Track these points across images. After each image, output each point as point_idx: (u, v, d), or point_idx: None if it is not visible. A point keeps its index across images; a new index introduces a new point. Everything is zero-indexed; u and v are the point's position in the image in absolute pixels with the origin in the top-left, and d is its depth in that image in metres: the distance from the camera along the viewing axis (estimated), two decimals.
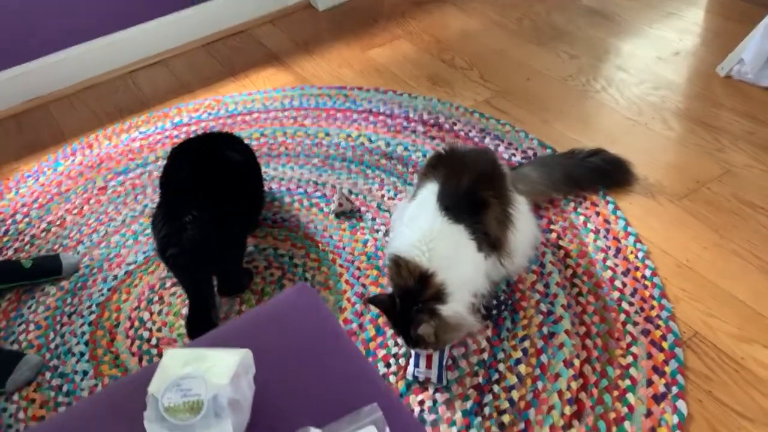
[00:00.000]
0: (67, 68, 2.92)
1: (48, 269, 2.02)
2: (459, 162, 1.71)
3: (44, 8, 2.76)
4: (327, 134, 2.49)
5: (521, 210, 1.75)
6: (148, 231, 2.12)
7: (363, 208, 2.14)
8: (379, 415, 0.92)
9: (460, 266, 1.55)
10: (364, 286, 1.89)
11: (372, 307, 1.77)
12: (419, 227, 1.58)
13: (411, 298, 1.50)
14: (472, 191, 1.62)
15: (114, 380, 1.73)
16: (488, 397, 1.59)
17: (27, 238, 2.20)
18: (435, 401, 1.59)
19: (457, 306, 1.51)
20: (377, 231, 2.05)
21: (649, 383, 1.58)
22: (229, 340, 1.06)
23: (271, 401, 0.96)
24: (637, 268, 1.85)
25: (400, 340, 1.70)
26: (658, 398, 1.55)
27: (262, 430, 0.92)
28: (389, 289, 1.61)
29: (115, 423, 0.96)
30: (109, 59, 3.00)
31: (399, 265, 1.54)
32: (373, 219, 2.10)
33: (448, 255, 1.54)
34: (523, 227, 1.74)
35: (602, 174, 2.07)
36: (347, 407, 0.94)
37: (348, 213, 2.12)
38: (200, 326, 1.69)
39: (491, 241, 1.64)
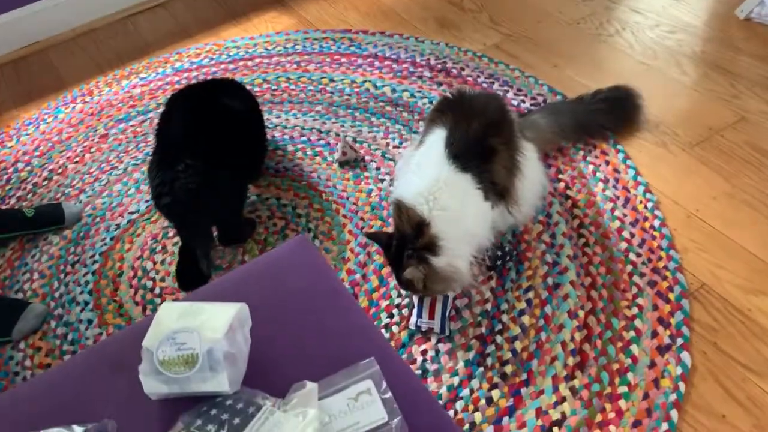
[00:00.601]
0: (65, 12, 2.84)
1: (51, 218, 2.01)
2: (467, 107, 1.66)
3: None
4: (331, 80, 2.43)
5: (529, 157, 1.71)
6: None
7: (367, 157, 2.10)
8: (375, 369, 0.91)
9: (463, 219, 1.52)
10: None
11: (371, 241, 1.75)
12: (426, 175, 1.55)
13: (406, 242, 1.50)
14: (480, 138, 1.58)
15: (112, 333, 1.74)
16: (491, 348, 1.58)
17: (29, 187, 2.19)
18: (438, 351, 1.59)
19: (452, 259, 1.50)
20: (381, 180, 2.02)
21: (654, 335, 1.56)
22: (226, 293, 1.04)
23: (268, 355, 0.95)
24: (645, 219, 1.81)
25: (393, 279, 1.70)
26: (662, 349, 1.53)
27: (258, 383, 0.91)
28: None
29: (111, 376, 0.96)
30: (107, 2, 2.92)
31: (400, 210, 1.53)
32: (378, 168, 2.06)
33: (452, 206, 1.51)
34: (531, 175, 1.71)
35: (611, 107, 2.01)
36: (344, 361, 0.93)
37: (352, 162, 2.08)
38: (189, 277, 1.69)
39: (498, 190, 1.61)
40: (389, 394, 0.88)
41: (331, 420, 0.85)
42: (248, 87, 2.06)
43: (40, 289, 1.87)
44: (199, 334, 0.88)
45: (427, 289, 1.53)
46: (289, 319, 1.01)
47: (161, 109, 1.88)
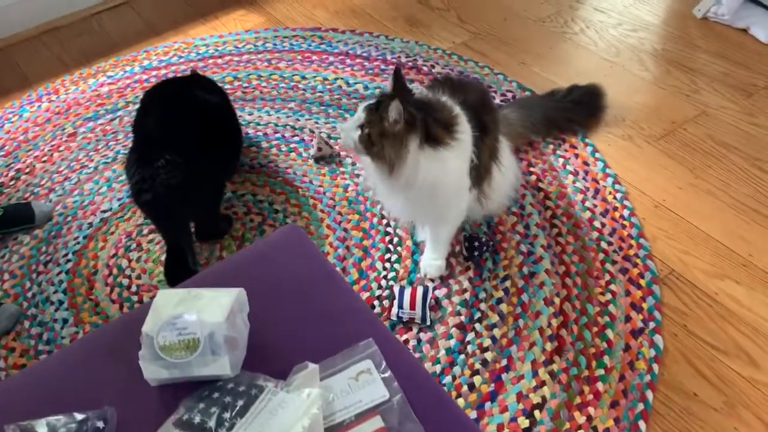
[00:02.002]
0: (27, 10, 2.78)
1: (20, 217, 1.97)
2: (460, 88, 1.64)
3: None
4: (303, 77, 2.44)
5: (504, 148, 1.76)
6: (122, 178, 2.07)
7: (342, 153, 2.12)
8: (374, 349, 0.93)
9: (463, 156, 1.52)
10: (345, 230, 1.89)
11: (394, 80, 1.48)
12: None
13: (429, 112, 1.44)
14: (476, 112, 1.58)
15: (106, 322, 1.72)
16: (471, 336, 1.62)
17: None
18: (419, 340, 1.62)
19: (420, 166, 1.43)
20: (357, 176, 2.04)
21: (627, 319, 1.62)
22: (221, 280, 1.05)
23: (267, 338, 0.96)
24: (615, 209, 1.87)
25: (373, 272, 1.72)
26: (635, 333, 1.59)
27: (258, 366, 0.92)
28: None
29: (109, 363, 0.95)
30: (71, 0, 2.86)
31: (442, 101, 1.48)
32: (353, 164, 2.08)
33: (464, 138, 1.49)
34: (506, 164, 1.75)
35: (579, 107, 2.08)
36: (342, 343, 0.95)
37: (327, 158, 2.10)
38: (178, 273, 1.67)
39: (480, 171, 1.62)
40: (389, 373, 0.90)
41: (334, 399, 0.87)
42: (219, 84, 2.06)
43: (12, 289, 1.83)
44: (200, 318, 0.89)
45: (372, 140, 1.42)
46: (285, 303, 1.02)
47: (136, 106, 1.86)
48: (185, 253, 1.69)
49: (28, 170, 2.18)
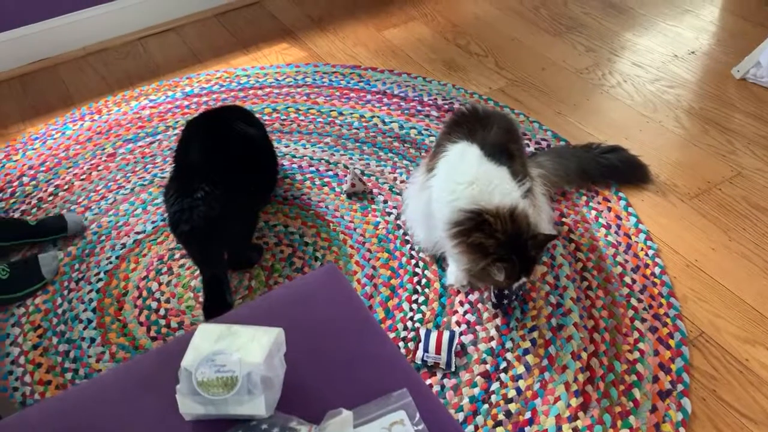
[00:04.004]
0: (76, 31, 2.87)
1: (54, 227, 2.00)
2: (485, 119, 1.76)
3: None
4: (340, 113, 2.48)
5: (538, 191, 1.80)
6: (158, 201, 2.11)
7: (375, 190, 2.13)
8: (408, 400, 0.93)
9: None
10: (374, 268, 1.89)
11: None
12: (465, 175, 1.62)
13: (518, 239, 1.56)
14: (501, 142, 1.69)
15: (133, 344, 1.74)
16: (496, 385, 1.60)
17: (34, 201, 2.18)
18: (443, 386, 1.61)
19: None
20: (389, 213, 2.05)
21: (655, 379, 1.60)
22: (259, 317, 1.06)
23: (302, 380, 0.97)
24: (646, 266, 1.86)
25: (399, 312, 1.71)
26: (663, 395, 1.57)
27: (292, 408, 0.92)
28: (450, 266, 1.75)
29: (144, 394, 0.96)
30: (119, 24, 2.95)
31: (485, 222, 1.56)
32: (385, 201, 2.09)
33: (504, 190, 1.61)
34: (541, 206, 1.79)
35: (616, 172, 2.08)
36: (375, 391, 0.95)
37: (360, 194, 2.12)
38: (216, 307, 1.67)
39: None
40: (422, 426, 0.90)
41: None
42: (258, 115, 2.10)
43: (43, 304, 1.86)
44: (240, 357, 0.89)
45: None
46: (321, 345, 1.03)
47: (176, 131, 1.90)
48: (222, 286, 1.70)
49: (66, 187, 2.23)
